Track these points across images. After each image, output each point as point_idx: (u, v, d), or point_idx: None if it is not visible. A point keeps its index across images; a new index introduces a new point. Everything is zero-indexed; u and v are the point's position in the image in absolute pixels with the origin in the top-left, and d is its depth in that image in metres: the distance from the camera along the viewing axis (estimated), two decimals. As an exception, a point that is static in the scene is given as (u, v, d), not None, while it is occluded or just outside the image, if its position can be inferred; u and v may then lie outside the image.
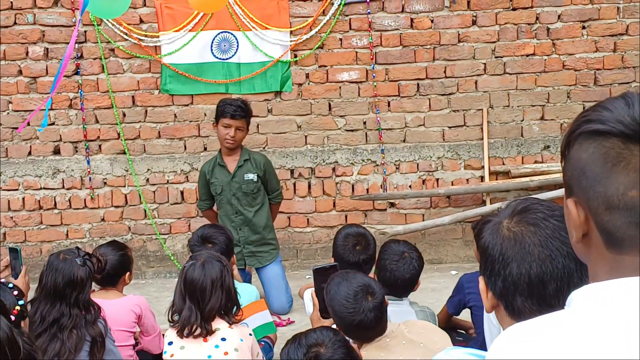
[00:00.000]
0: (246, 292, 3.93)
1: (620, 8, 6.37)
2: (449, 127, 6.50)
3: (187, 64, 6.40)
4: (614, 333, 0.97)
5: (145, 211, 6.56)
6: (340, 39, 6.44)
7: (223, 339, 3.42)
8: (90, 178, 6.50)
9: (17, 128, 6.42)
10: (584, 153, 1.08)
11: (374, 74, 6.42)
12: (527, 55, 6.42)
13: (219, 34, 6.38)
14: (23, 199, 6.53)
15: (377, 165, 6.51)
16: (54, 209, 6.54)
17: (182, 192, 6.56)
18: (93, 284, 4.04)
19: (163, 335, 3.75)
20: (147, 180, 6.54)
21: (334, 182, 6.54)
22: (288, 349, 2.51)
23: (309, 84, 6.48)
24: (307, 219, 6.55)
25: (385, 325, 2.95)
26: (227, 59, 6.42)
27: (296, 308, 5.57)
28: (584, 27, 6.40)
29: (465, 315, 4.30)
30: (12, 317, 2.63)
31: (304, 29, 6.39)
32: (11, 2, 6.35)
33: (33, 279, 3.59)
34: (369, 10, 6.37)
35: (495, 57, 6.43)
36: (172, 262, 6.56)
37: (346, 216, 6.56)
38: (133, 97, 6.48)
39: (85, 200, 6.54)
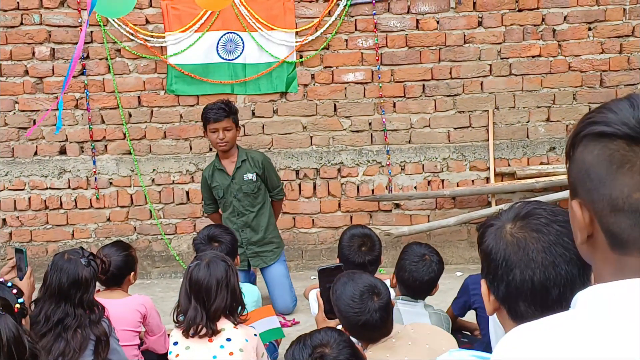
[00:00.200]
0: (247, 293, 3.93)
1: (626, 9, 6.36)
2: (455, 128, 6.49)
3: (193, 65, 6.41)
4: (617, 334, 0.97)
5: (150, 211, 6.57)
6: (346, 40, 6.44)
7: (228, 339, 3.43)
8: (95, 178, 6.51)
9: (23, 128, 6.45)
10: (589, 155, 1.08)
11: (379, 75, 6.42)
12: (533, 57, 6.42)
13: (224, 34, 6.39)
14: (29, 198, 6.54)
15: (383, 166, 6.52)
16: (59, 208, 6.56)
17: (187, 193, 6.57)
18: (98, 284, 4.06)
19: (168, 335, 3.76)
20: (153, 180, 6.55)
21: (339, 183, 6.54)
22: (293, 350, 2.51)
23: (314, 84, 6.48)
24: (312, 220, 6.55)
25: (391, 326, 2.95)
26: (232, 59, 6.42)
27: (301, 308, 5.57)
28: (589, 29, 6.39)
29: (470, 317, 4.30)
30: None
31: (310, 30, 6.40)
32: (17, 3, 6.37)
33: (38, 279, 3.60)
34: (374, 12, 6.37)
35: (501, 59, 6.43)
36: (178, 262, 6.57)
37: (351, 217, 6.56)
38: (139, 97, 6.50)
39: (91, 200, 6.55)
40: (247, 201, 5.56)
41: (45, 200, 6.55)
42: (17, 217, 6.55)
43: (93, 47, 6.44)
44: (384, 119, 6.45)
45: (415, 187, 6.53)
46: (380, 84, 6.43)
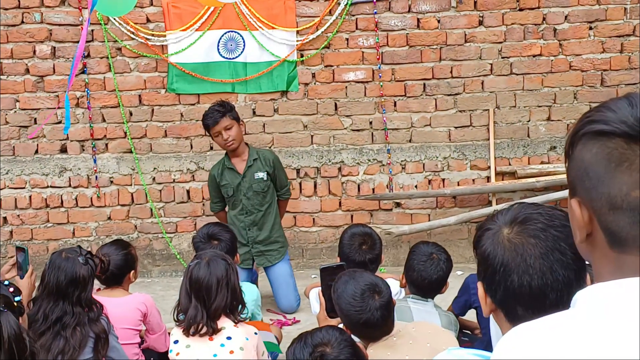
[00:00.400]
0: (247, 292, 3.93)
1: (627, 9, 6.36)
2: (455, 128, 6.49)
3: (193, 63, 6.41)
4: (617, 333, 0.97)
5: (151, 210, 6.57)
6: (347, 39, 6.44)
7: (229, 338, 3.43)
8: (96, 177, 6.51)
9: (24, 127, 6.46)
10: (588, 153, 1.09)
11: (380, 74, 6.42)
12: (534, 56, 6.42)
13: (225, 33, 6.39)
14: (30, 197, 6.55)
15: (383, 165, 6.52)
16: (60, 207, 6.56)
17: (188, 191, 6.57)
18: (98, 283, 4.06)
19: (169, 333, 3.76)
20: (154, 179, 6.56)
21: (339, 182, 6.55)
22: (294, 348, 2.52)
23: (315, 83, 6.49)
24: (313, 219, 6.56)
25: (392, 324, 2.96)
26: (233, 58, 6.43)
27: (302, 307, 5.57)
28: (590, 28, 6.39)
29: (471, 316, 4.30)
30: None
31: (311, 29, 6.40)
32: (18, 1, 6.37)
33: (38, 277, 3.60)
34: (375, 10, 6.37)
35: (502, 58, 6.43)
36: (178, 261, 6.58)
37: (352, 216, 6.56)
38: (140, 96, 6.50)
39: (91, 198, 6.55)
40: (256, 200, 5.56)
41: (46, 199, 6.55)
42: (18, 215, 6.56)
43: (94, 46, 6.44)
44: (384, 118, 6.45)
45: (415, 186, 6.53)
46: (381, 83, 6.43)
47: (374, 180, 6.54)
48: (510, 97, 6.45)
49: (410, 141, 6.51)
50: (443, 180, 6.52)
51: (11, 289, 2.79)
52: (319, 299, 3.21)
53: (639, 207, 1.04)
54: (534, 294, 1.55)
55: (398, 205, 6.57)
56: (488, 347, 3.21)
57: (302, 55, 6.45)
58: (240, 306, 3.55)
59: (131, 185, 6.57)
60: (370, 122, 6.50)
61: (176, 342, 3.46)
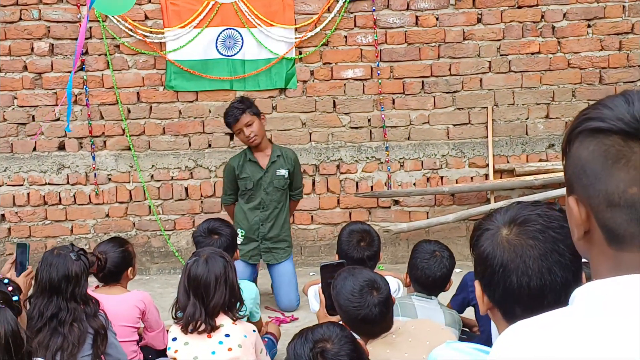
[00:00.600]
0: (245, 290, 3.93)
1: (625, 6, 6.36)
2: (454, 125, 6.49)
3: (192, 61, 6.40)
4: (615, 331, 0.97)
5: (149, 207, 6.57)
6: (345, 36, 6.44)
7: (227, 335, 3.43)
8: (95, 174, 6.51)
9: (22, 124, 6.45)
10: (585, 151, 1.09)
11: (378, 72, 6.42)
12: (532, 54, 6.42)
13: (223, 30, 6.39)
14: (28, 194, 6.54)
15: (382, 162, 6.52)
16: (58, 204, 6.56)
17: (186, 189, 6.57)
18: (96, 280, 4.06)
19: (167, 331, 3.76)
20: (152, 176, 6.56)
21: (338, 180, 6.55)
22: (294, 344, 2.51)
23: (313, 81, 6.48)
24: (311, 216, 6.56)
25: (391, 321, 2.96)
26: (231, 55, 6.42)
27: (300, 305, 5.57)
28: (589, 26, 6.39)
29: (469, 313, 4.30)
30: None
31: (309, 26, 6.40)
32: (17, -2, 6.37)
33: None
34: (374, 8, 6.37)
35: (500, 55, 6.43)
36: (177, 258, 6.57)
37: (350, 213, 6.56)
38: (138, 93, 6.49)
39: (90, 196, 6.55)
40: (275, 196, 5.55)
41: (44, 196, 6.55)
42: (16, 212, 6.55)
43: (92, 43, 6.43)
44: (383, 116, 6.45)
45: (414, 184, 6.53)
46: (380, 81, 6.43)
47: (373, 177, 6.54)
48: (509, 95, 6.46)
49: (408, 139, 6.52)
50: (441, 177, 6.53)
51: (10, 288, 2.80)
52: (319, 296, 3.21)
53: (637, 204, 1.04)
54: (532, 295, 1.56)
55: (396, 202, 6.57)
56: (486, 344, 3.21)
57: (300, 53, 6.45)
58: (238, 303, 3.55)
59: (129, 182, 6.56)
60: (369, 120, 6.50)
61: (174, 339, 3.46)
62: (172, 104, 6.51)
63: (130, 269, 4.11)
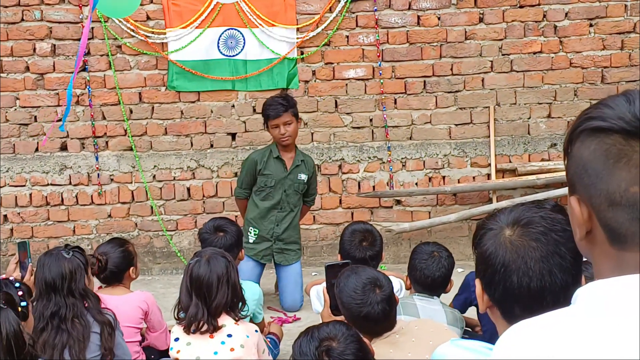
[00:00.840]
0: (249, 291, 3.93)
1: (627, 6, 6.35)
2: (456, 125, 6.49)
3: (193, 61, 6.40)
4: (617, 331, 0.97)
5: (151, 207, 6.57)
6: (347, 36, 6.44)
7: (229, 335, 3.43)
8: (98, 174, 6.51)
9: (24, 124, 6.46)
10: (586, 150, 1.09)
11: (380, 72, 6.42)
12: (534, 53, 6.41)
13: (225, 30, 6.39)
14: (30, 195, 6.55)
15: (384, 162, 6.51)
16: (60, 205, 6.56)
17: (188, 189, 6.57)
18: (98, 282, 4.06)
19: (169, 331, 3.76)
20: (154, 176, 6.56)
21: (340, 180, 6.55)
22: (300, 342, 2.51)
23: (315, 81, 6.48)
24: (314, 216, 6.55)
25: (394, 320, 2.97)
26: (233, 55, 6.42)
27: (303, 305, 5.57)
28: (591, 25, 6.38)
29: (471, 313, 4.30)
30: None
31: (311, 26, 6.39)
32: (19, -1, 6.38)
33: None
34: (375, 8, 6.36)
35: (502, 55, 6.42)
36: (179, 259, 6.58)
37: (352, 213, 6.56)
38: (140, 93, 6.50)
39: (92, 196, 6.55)
40: (293, 198, 5.57)
41: (46, 197, 6.55)
42: (18, 213, 6.56)
43: (94, 44, 6.43)
44: (385, 116, 6.45)
45: (416, 184, 6.53)
46: (381, 80, 6.43)
47: (375, 177, 6.54)
48: (511, 95, 6.45)
49: (410, 138, 6.51)
50: (443, 177, 6.52)
51: (20, 293, 2.80)
52: (324, 296, 3.21)
53: (638, 203, 1.04)
54: (532, 295, 1.58)
55: (398, 202, 6.57)
56: (489, 343, 3.21)
57: (302, 53, 6.45)
58: (240, 303, 3.55)
59: (131, 183, 6.57)
60: (371, 120, 6.50)
61: (177, 339, 3.47)
62: (174, 105, 6.51)
63: (132, 268, 4.12)
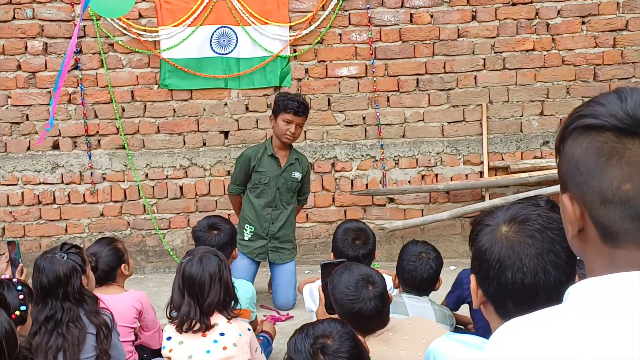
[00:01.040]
0: (242, 289, 3.92)
1: (620, 3, 6.37)
2: (449, 123, 6.50)
3: (186, 59, 6.39)
4: (610, 328, 0.97)
5: (144, 206, 6.56)
6: (340, 34, 6.44)
7: (222, 334, 3.42)
8: (91, 173, 6.49)
9: (16, 123, 6.44)
10: (578, 148, 1.09)
11: (373, 69, 6.42)
12: (527, 51, 6.42)
13: (218, 28, 6.38)
14: (22, 193, 6.52)
15: (377, 160, 6.51)
16: (53, 203, 6.54)
17: (181, 188, 6.56)
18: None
19: (162, 330, 3.75)
20: (146, 175, 6.54)
21: (333, 178, 6.54)
22: (295, 339, 2.51)
23: (308, 79, 6.48)
24: (307, 214, 6.55)
25: (387, 318, 2.97)
26: (226, 54, 6.41)
27: (296, 303, 5.57)
28: (583, 23, 6.39)
29: (464, 311, 4.31)
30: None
31: (304, 24, 6.39)
32: (10, -3, 6.35)
33: (30, 274, 3.59)
34: (368, 5, 6.36)
35: (495, 53, 6.43)
36: (171, 257, 6.56)
37: (345, 211, 6.56)
38: (132, 92, 6.48)
39: (84, 195, 6.53)
40: (286, 197, 5.57)
41: (38, 195, 6.53)
42: (10, 212, 6.53)
43: (86, 42, 6.42)
44: (377, 114, 6.45)
45: (409, 182, 6.53)
46: (374, 78, 6.42)
47: (368, 175, 6.54)
48: (503, 92, 6.46)
49: (403, 136, 6.51)
50: (436, 175, 6.53)
51: (21, 297, 2.78)
52: (319, 294, 3.21)
53: (631, 200, 1.04)
54: (525, 292, 1.60)
55: (391, 200, 6.57)
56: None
57: (295, 51, 6.44)
58: (233, 302, 3.54)
59: (124, 181, 6.55)
60: (364, 118, 6.50)
61: (169, 338, 3.46)
62: (166, 103, 6.49)
63: (123, 265, 4.10)
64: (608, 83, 6.41)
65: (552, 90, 6.45)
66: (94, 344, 3.37)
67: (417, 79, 6.46)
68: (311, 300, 4.09)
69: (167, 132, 6.52)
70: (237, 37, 6.39)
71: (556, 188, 5.97)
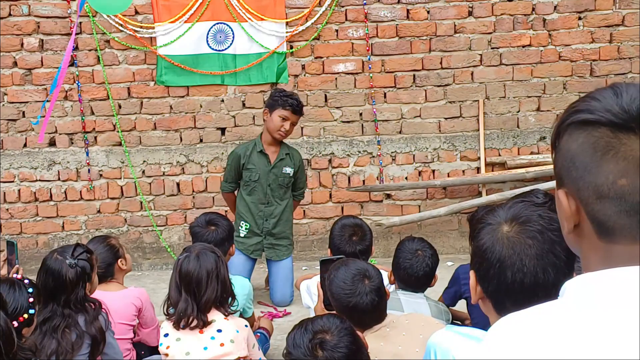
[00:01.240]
0: (239, 286, 3.92)
1: (616, -1, 6.37)
2: (445, 119, 6.50)
3: (182, 56, 6.38)
4: (606, 324, 0.97)
5: (141, 203, 6.56)
6: (337, 30, 6.43)
7: (219, 331, 3.42)
8: (89, 170, 6.49)
9: (12, 120, 6.43)
10: (574, 143, 1.09)
11: (370, 65, 6.41)
12: (523, 46, 6.42)
13: (214, 25, 6.37)
14: (19, 190, 6.52)
15: (374, 156, 6.51)
16: (49, 200, 6.54)
17: (178, 184, 6.55)
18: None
19: (160, 327, 3.75)
20: (143, 172, 6.54)
21: (330, 174, 6.54)
22: (294, 334, 2.51)
23: (305, 75, 6.47)
24: (304, 211, 6.55)
25: (384, 313, 2.97)
26: (222, 50, 6.40)
27: (293, 300, 5.57)
28: (580, 18, 6.40)
29: (461, 306, 4.31)
30: (16, 324, 2.61)
31: (300, 20, 6.38)
32: (6, -6, 6.34)
33: (30, 271, 3.58)
34: (365, 1, 6.36)
35: (492, 48, 6.43)
36: (169, 254, 6.56)
37: (342, 208, 6.56)
38: (129, 88, 6.47)
39: (81, 192, 6.53)
40: (278, 192, 5.55)
41: (35, 192, 6.52)
42: (7, 209, 6.53)
43: (82, 38, 6.40)
44: (374, 110, 6.45)
45: (406, 178, 6.53)
46: (371, 74, 6.42)
47: (365, 172, 6.54)
48: (500, 88, 6.46)
49: (400, 132, 6.51)
50: (433, 171, 6.53)
51: (31, 300, 2.76)
52: (317, 291, 3.21)
53: (626, 195, 1.04)
54: (524, 291, 1.62)
55: (388, 196, 6.57)
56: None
57: (291, 47, 6.44)
58: (230, 299, 3.54)
59: (121, 178, 6.55)
60: (361, 114, 6.49)
61: (166, 335, 3.46)
62: (163, 99, 6.49)
63: (120, 260, 4.08)
64: (605, 79, 6.41)
65: (549, 85, 6.46)
66: (88, 349, 3.36)
67: (414, 75, 6.46)
68: (308, 296, 4.09)
69: (163, 128, 6.51)
70: (233, 34, 6.39)
71: (553, 184, 5.97)
